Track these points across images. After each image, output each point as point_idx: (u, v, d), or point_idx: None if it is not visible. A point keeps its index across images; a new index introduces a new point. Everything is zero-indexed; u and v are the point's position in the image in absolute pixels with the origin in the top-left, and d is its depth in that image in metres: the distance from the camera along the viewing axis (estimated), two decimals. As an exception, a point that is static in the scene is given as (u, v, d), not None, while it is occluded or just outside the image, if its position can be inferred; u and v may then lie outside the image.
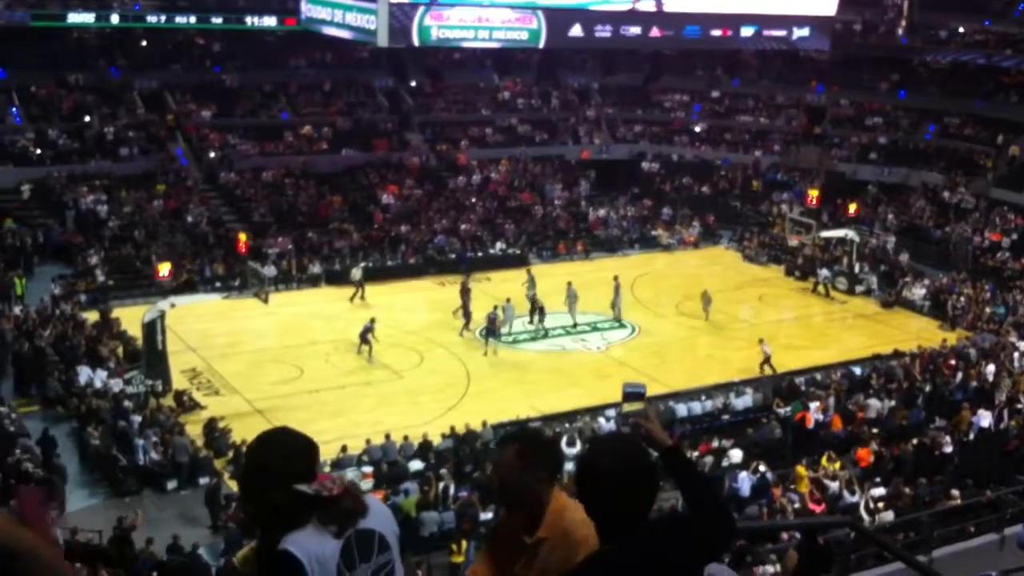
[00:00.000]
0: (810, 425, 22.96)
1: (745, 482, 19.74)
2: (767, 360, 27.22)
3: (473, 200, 40.92)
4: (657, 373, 26.74)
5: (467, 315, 29.35)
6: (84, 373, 23.57)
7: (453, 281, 33.72)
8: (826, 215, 40.83)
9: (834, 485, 19.08)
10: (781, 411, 23.47)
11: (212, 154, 39.66)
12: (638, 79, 50.49)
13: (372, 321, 27.61)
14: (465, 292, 30.11)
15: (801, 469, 19.93)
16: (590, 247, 39.55)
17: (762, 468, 20.11)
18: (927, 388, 24.76)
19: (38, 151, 36.73)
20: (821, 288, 35.11)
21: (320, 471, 2.97)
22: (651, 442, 3.11)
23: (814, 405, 23.37)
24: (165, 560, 15.89)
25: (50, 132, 37.68)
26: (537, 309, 30.12)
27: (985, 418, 22.19)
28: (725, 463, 21.10)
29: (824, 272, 35.44)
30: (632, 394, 3.36)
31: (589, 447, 3.10)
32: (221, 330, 28.84)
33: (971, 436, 21.93)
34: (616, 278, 31.74)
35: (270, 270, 32.47)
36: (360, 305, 31.58)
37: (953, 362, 26.18)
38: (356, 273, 32.37)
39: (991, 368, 25.30)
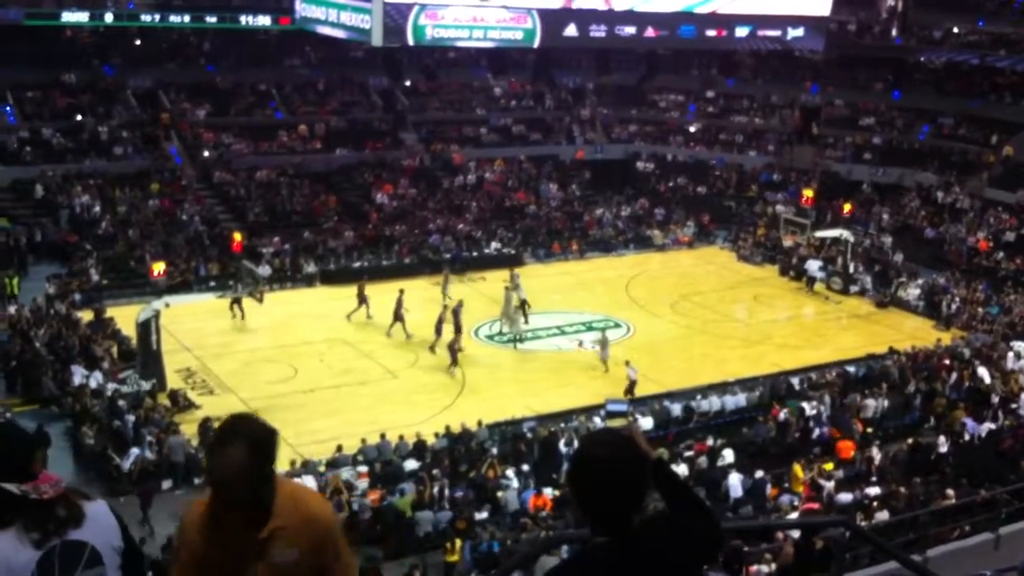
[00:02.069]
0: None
1: (738, 482, 19.72)
2: (631, 387, 24.82)
3: (468, 200, 40.89)
4: (652, 372, 26.74)
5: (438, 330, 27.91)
6: (79, 373, 23.47)
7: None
8: (815, 214, 40.74)
9: (829, 485, 19.09)
10: (780, 416, 23.35)
11: (206, 153, 39.58)
12: (633, 79, 50.49)
13: (401, 292, 29.08)
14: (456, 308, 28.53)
15: (798, 469, 19.95)
16: (585, 247, 39.54)
17: (759, 474, 20.02)
18: (922, 388, 24.78)
19: (27, 149, 36.59)
20: (816, 287, 35.07)
21: (43, 471, 2.83)
22: None
23: (809, 405, 23.38)
24: (160, 560, 15.83)
25: (44, 131, 37.59)
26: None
27: (982, 426, 22.12)
28: (720, 463, 21.08)
29: (814, 266, 35.28)
30: (615, 412, 3.35)
31: (585, 439, 3.09)
32: (215, 329, 28.78)
33: (965, 436, 21.96)
34: (512, 269, 31.91)
35: (264, 269, 32.36)
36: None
37: (947, 362, 26.22)
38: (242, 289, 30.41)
39: (984, 369, 25.32)
